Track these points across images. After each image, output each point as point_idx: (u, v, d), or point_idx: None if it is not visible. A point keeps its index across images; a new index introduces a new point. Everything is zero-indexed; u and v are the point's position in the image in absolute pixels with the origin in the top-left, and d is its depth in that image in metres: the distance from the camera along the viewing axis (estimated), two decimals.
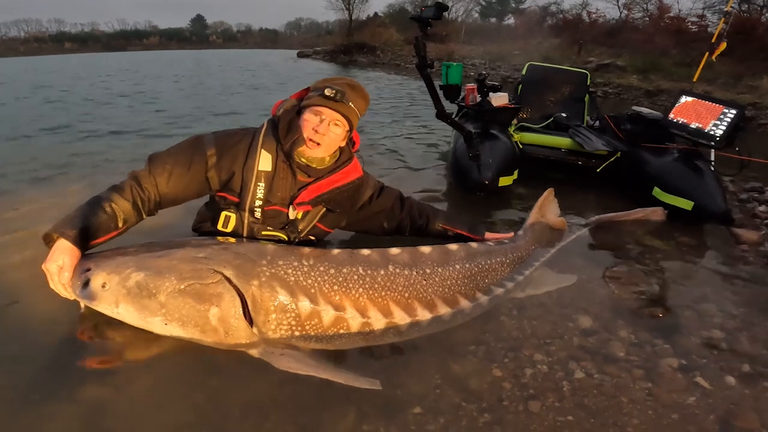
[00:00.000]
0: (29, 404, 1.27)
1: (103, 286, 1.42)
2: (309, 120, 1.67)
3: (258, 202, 1.69)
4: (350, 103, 1.69)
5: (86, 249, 1.52)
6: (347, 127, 1.73)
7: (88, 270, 1.45)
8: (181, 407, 1.28)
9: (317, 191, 1.74)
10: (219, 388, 1.35)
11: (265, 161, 1.68)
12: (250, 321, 1.42)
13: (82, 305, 1.49)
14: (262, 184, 1.68)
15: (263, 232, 1.73)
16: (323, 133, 1.67)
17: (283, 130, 1.69)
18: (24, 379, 1.35)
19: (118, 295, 1.41)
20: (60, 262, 1.42)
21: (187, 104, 7.27)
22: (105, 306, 1.43)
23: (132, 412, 1.27)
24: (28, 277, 1.80)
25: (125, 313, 1.42)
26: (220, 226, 1.73)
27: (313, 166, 1.74)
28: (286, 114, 1.72)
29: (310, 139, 1.67)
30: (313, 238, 1.85)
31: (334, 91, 1.64)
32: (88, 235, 1.50)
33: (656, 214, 2.81)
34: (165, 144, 1.78)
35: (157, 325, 1.41)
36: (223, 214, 1.72)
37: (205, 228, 1.80)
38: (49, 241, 1.47)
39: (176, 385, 1.37)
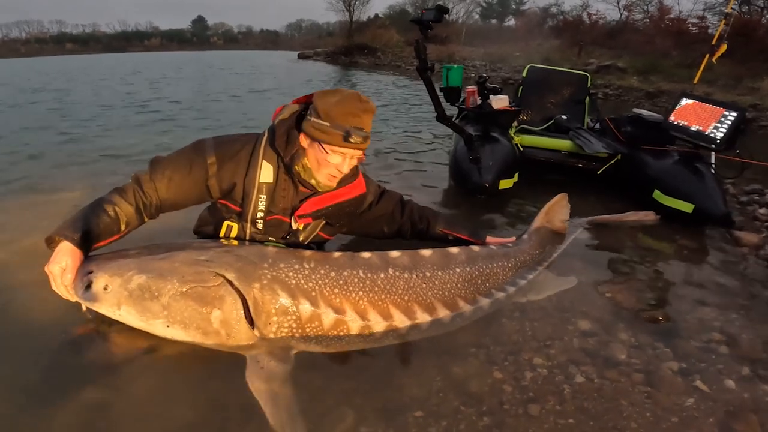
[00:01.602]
0: (30, 406, 1.27)
1: (105, 289, 1.43)
2: (330, 162, 1.60)
3: (260, 214, 1.67)
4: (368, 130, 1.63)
5: (89, 251, 1.52)
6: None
7: (90, 272, 1.45)
8: (182, 409, 1.29)
9: (319, 204, 1.72)
10: (219, 391, 1.36)
11: (266, 173, 1.65)
12: (251, 323, 1.43)
13: (84, 307, 1.50)
14: (263, 196, 1.65)
15: (265, 242, 1.73)
16: (344, 171, 1.64)
17: (281, 142, 1.63)
18: (25, 380, 1.36)
19: (120, 298, 1.42)
20: (63, 264, 1.42)
21: (190, 109, 7.27)
22: (107, 308, 1.44)
23: (132, 414, 1.28)
24: (30, 279, 1.80)
25: (127, 315, 1.43)
26: (222, 235, 1.73)
27: (320, 190, 1.69)
28: (282, 124, 1.66)
29: (331, 175, 1.64)
30: (313, 245, 1.85)
31: (360, 138, 1.56)
32: (91, 238, 1.50)
33: (649, 217, 2.83)
34: (167, 151, 1.77)
35: (159, 327, 1.42)
36: (226, 223, 1.72)
37: (206, 231, 1.80)
38: (51, 243, 1.47)
39: (177, 387, 1.37)
